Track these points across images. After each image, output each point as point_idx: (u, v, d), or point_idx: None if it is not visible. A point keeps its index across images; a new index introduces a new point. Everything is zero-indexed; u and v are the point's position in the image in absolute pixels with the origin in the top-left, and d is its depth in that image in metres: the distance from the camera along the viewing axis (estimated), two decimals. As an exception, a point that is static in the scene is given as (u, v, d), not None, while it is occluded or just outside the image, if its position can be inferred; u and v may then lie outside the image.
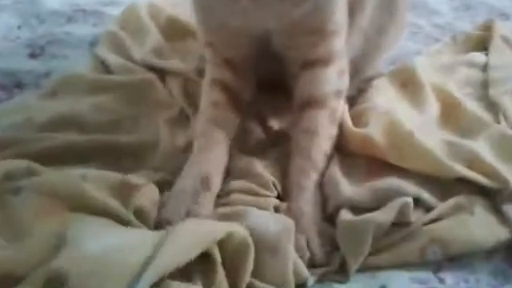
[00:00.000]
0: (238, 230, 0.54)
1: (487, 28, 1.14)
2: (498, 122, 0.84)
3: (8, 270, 0.48)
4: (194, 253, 0.49)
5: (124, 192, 0.59)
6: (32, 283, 0.45)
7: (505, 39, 1.10)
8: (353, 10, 0.78)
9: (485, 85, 0.97)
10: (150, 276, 0.45)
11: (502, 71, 0.99)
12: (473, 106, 0.86)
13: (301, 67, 0.74)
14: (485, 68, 1.01)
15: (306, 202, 0.68)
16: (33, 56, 1.05)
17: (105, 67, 0.97)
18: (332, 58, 0.73)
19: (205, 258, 0.51)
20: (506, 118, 0.85)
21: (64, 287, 0.44)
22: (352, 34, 0.81)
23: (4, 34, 1.12)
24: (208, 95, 0.75)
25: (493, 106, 0.89)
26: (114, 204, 0.55)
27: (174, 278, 0.49)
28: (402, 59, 1.05)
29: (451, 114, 0.84)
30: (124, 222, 0.55)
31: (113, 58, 0.97)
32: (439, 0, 1.38)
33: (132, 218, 0.56)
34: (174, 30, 1.05)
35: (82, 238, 0.49)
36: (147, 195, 0.60)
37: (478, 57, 1.05)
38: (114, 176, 0.60)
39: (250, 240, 0.54)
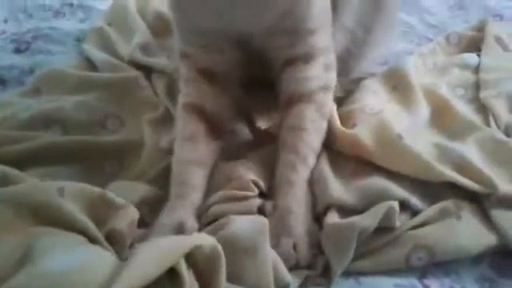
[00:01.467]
0: (207, 240, 0.53)
1: (481, 28, 1.13)
2: (488, 125, 0.83)
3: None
4: (158, 270, 0.47)
5: (102, 210, 0.57)
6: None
7: (498, 40, 1.09)
8: (335, 8, 0.76)
9: (477, 86, 0.96)
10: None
11: (493, 73, 0.98)
12: (463, 109, 0.85)
13: (283, 65, 0.72)
14: (477, 69, 1.00)
15: (295, 199, 0.66)
16: (18, 51, 1.04)
17: (91, 64, 0.96)
18: (314, 54, 0.72)
19: (172, 273, 0.49)
20: (496, 121, 0.84)
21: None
22: (336, 32, 0.79)
23: (-13, 28, 1.11)
24: (183, 126, 0.72)
25: (483, 109, 0.88)
26: (86, 221, 0.53)
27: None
28: (394, 59, 1.04)
29: (442, 117, 0.83)
30: (94, 241, 0.53)
31: (99, 55, 0.96)
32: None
33: (103, 241, 0.54)
34: (162, 26, 1.04)
35: (47, 253, 0.47)
36: (125, 217, 0.58)
37: (471, 58, 1.03)
38: (94, 191, 0.58)
39: (220, 249, 0.52)
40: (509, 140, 0.77)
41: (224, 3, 0.67)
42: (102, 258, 0.49)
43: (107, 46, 0.99)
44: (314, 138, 0.70)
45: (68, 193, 0.56)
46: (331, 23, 0.77)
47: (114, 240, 0.57)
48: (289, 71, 0.72)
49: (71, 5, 1.21)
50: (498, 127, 0.83)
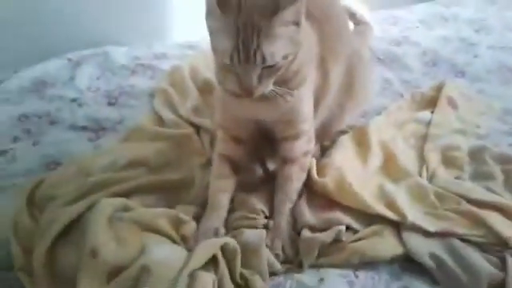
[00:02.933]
0: (230, 241, 0.99)
1: (439, 88, 1.52)
2: (421, 172, 1.24)
3: (116, 263, 0.94)
4: (207, 256, 0.95)
5: (177, 223, 1.05)
6: (129, 272, 0.92)
7: (450, 100, 1.48)
8: (318, 98, 1.18)
9: (424, 139, 1.37)
10: (186, 271, 0.91)
11: (438, 129, 1.38)
12: (404, 160, 1.26)
13: (281, 139, 1.15)
14: (428, 125, 1.41)
15: (283, 220, 1.11)
16: (110, 104, 1.50)
17: (160, 118, 1.43)
18: (301, 134, 1.14)
19: (214, 258, 0.97)
20: (427, 171, 1.25)
21: (144, 274, 0.91)
22: (320, 111, 1.22)
23: (88, 84, 1.57)
24: (216, 167, 1.16)
25: (423, 159, 1.29)
26: (173, 232, 1.03)
27: (199, 269, 0.94)
28: (372, 113, 1.45)
29: (388, 166, 1.25)
30: (174, 242, 1.02)
31: (165, 113, 1.42)
32: (414, 54, 1.75)
33: (179, 240, 1.03)
34: (207, 89, 1.47)
35: (154, 248, 0.96)
36: (190, 229, 1.06)
37: (425, 115, 1.44)
38: (173, 213, 1.07)
39: (237, 246, 0.99)
40: (428, 185, 1.19)
41: (250, 104, 1.06)
42: (180, 252, 0.98)
43: (170, 104, 1.45)
44: (296, 185, 1.15)
45: (161, 215, 1.04)
46: (317, 105, 1.20)
47: (184, 240, 1.04)
48: (284, 143, 1.15)
49: (143, 65, 1.67)
50: (428, 176, 1.24)
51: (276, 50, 0.92)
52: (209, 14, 0.95)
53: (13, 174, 1.22)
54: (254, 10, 0.90)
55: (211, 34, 0.97)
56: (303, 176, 1.17)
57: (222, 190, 1.15)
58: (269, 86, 0.98)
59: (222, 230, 1.09)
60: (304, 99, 1.11)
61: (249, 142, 1.20)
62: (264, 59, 0.92)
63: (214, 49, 0.97)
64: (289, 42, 0.95)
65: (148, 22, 1.88)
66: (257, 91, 0.96)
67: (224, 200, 1.14)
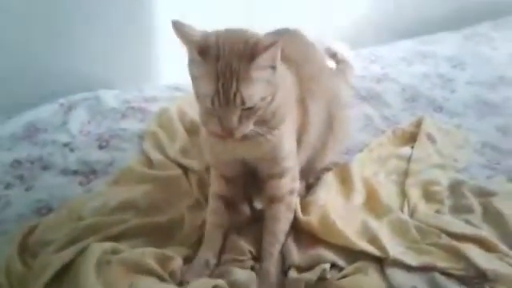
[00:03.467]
0: (221, 282, 1.03)
1: (418, 124, 1.58)
2: (402, 208, 1.29)
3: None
4: None
5: (165, 260, 1.08)
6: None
7: (428, 135, 1.54)
8: (300, 136, 1.23)
9: (406, 174, 1.42)
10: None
11: (418, 164, 1.43)
12: (386, 196, 1.31)
13: (266, 178, 1.19)
14: (409, 160, 1.46)
15: (272, 264, 1.14)
16: (100, 147, 1.54)
17: (149, 160, 1.47)
18: (285, 172, 1.18)
19: None
20: (408, 206, 1.30)
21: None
22: (303, 148, 1.26)
23: (80, 128, 1.61)
24: (212, 204, 1.22)
25: (404, 194, 1.34)
26: (159, 270, 1.05)
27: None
28: (354, 150, 1.50)
29: (371, 202, 1.30)
30: (163, 280, 1.04)
31: (154, 154, 1.46)
32: (395, 91, 1.82)
33: (168, 278, 1.05)
34: (194, 129, 1.52)
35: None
36: (177, 264, 1.09)
37: (406, 151, 1.49)
38: (159, 251, 1.10)
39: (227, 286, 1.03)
40: (409, 220, 1.23)
41: (233, 144, 1.11)
42: None
43: (159, 146, 1.49)
44: (283, 225, 1.19)
45: (147, 253, 1.08)
46: (300, 143, 1.25)
47: (172, 276, 1.07)
48: (269, 182, 1.19)
49: (133, 108, 1.72)
50: (409, 211, 1.29)
51: (254, 92, 0.98)
52: (191, 62, 1.01)
53: (5, 221, 1.25)
54: (233, 57, 0.96)
55: (193, 80, 1.02)
56: (290, 216, 1.21)
57: (217, 225, 1.20)
58: (249, 127, 1.03)
59: (213, 262, 1.14)
60: (285, 137, 1.16)
61: (237, 181, 1.24)
62: (243, 101, 0.97)
63: (197, 93, 1.03)
64: (266, 85, 1.00)
65: (138, 66, 1.94)
66: (238, 132, 1.01)
67: (218, 234, 1.19)
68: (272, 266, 1.14)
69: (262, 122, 1.08)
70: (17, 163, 1.45)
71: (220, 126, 1.02)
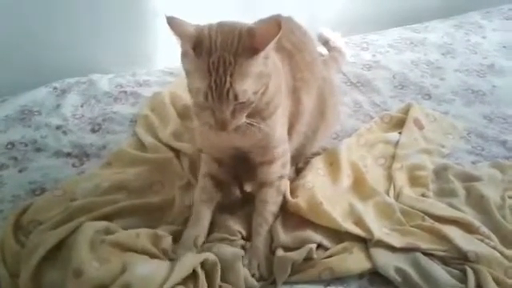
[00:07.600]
0: (211, 256, 1.07)
1: (406, 110, 1.61)
2: (388, 192, 1.32)
3: (99, 281, 1.00)
4: (188, 271, 1.02)
5: (157, 239, 1.12)
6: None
7: (416, 121, 1.56)
8: (292, 124, 1.26)
9: (393, 158, 1.45)
10: (167, 286, 0.97)
11: (405, 149, 1.46)
12: (372, 179, 1.34)
13: (257, 164, 1.22)
14: (396, 145, 1.49)
15: (260, 242, 1.18)
16: (93, 131, 1.55)
17: (141, 143, 1.49)
18: (275, 159, 1.21)
19: (194, 272, 1.03)
20: (394, 189, 1.33)
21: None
22: (294, 136, 1.29)
23: (73, 112, 1.63)
24: (201, 182, 1.25)
25: (391, 178, 1.37)
26: (152, 248, 1.08)
27: (179, 284, 1.00)
28: (343, 135, 1.53)
29: (357, 185, 1.33)
30: (156, 257, 1.08)
31: (146, 138, 1.48)
32: (385, 78, 1.84)
33: (160, 255, 1.08)
34: (187, 114, 1.54)
35: (135, 266, 1.02)
36: (168, 242, 1.12)
37: (393, 136, 1.52)
38: (151, 231, 1.13)
39: (217, 260, 1.07)
40: (394, 203, 1.27)
41: (225, 134, 1.08)
42: (161, 266, 1.04)
43: (151, 129, 1.52)
44: (273, 208, 1.21)
45: (141, 233, 1.11)
46: (292, 131, 1.27)
47: (165, 253, 1.11)
48: (260, 168, 1.22)
49: (125, 92, 1.73)
50: (395, 193, 1.32)
51: (247, 87, 0.99)
52: (184, 57, 1.02)
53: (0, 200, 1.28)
54: (225, 51, 0.97)
55: (187, 74, 1.03)
56: (279, 199, 1.23)
57: (205, 201, 1.22)
58: (242, 119, 1.05)
59: (201, 239, 1.16)
60: (277, 126, 1.18)
61: (228, 165, 1.27)
62: (236, 97, 0.99)
63: (190, 88, 1.04)
64: (259, 78, 1.01)
65: (132, 50, 1.95)
66: (231, 125, 1.03)
67: (206, 211, 1.21)
68: (260, 243, 1.17)
69: (255, 113, 1.09)
70: (11, 145, 1.47)
71: (213, 118, 1.03)
